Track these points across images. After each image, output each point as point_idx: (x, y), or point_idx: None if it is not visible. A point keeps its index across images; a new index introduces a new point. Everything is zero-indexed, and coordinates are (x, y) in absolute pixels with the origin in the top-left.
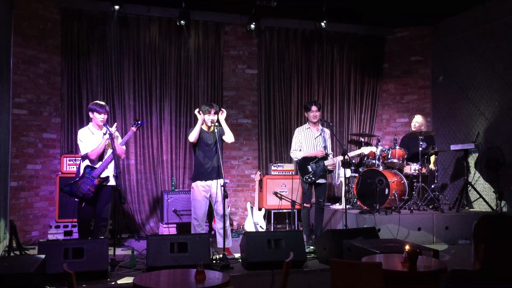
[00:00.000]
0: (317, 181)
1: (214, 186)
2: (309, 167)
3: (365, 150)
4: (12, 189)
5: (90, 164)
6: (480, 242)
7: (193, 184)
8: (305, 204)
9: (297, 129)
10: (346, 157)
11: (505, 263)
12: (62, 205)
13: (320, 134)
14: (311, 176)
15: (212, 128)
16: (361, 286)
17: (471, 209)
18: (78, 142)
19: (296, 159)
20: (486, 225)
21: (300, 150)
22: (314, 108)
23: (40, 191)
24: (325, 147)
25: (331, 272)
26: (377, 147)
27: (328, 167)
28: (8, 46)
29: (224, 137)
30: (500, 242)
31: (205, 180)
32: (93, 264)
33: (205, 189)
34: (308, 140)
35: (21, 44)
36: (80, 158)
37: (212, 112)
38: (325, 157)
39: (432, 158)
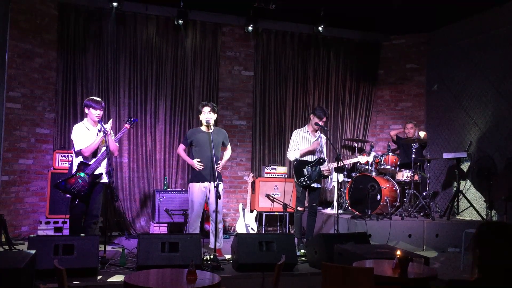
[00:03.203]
0: (311, 185)
1: (209, 187)
2: (305, 170)
3: (361, 159)
4: (3, 183)
5: (83, 161)
6: (477, 249)
7: (190, 185)
8: (298, 208)
9: (295, 130)
10: (340, 163)
11: (504, 272)
12: (53, 201)
13: (317, 139)
14: (306, 179)
15: (209, 129)
16: None
17: (461, 218)
18: (73, 137)
19: (294, 158)
20: (484, 233)
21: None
22: (325, 119)
23: (31, 186)
24: (320, 153)
25: (323, 276)
26: (370, 153)
27: (324, 172)
28: (4, 40)
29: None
30: (499, 250)
31: (202, 182)
32: (83, 261)
33: (202, 190)
34: (305, 143)
35: (17, 38)
36: (73, 154)
37: (205, 111)
38: (322, 162)
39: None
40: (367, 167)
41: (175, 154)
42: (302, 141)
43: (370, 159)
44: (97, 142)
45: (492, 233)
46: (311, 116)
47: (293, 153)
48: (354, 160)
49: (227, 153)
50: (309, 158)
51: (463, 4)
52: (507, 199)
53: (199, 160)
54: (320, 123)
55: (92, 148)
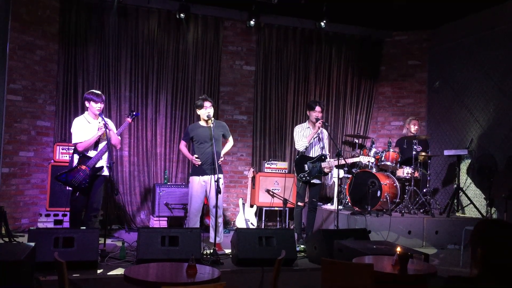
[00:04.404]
0: (311, 181)
1: (209, 182)
2: (306, 166)
3: (363, 159)
4: (4, 175)
5: (84, 153)
6: (478, 247)
7: (190, 179)
8: (299, 203)
9: (298, 125)
10: (341, 160)
11: (502, 269)
12: (53, 194)
13: (318, 135)
14: (306, 175)
15: (209, 123)
16: (352, 287)
17: (461, 215)
18: (72, 130)
19: (303, 147)
20: (485, 230)
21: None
22: (318, 108)
23: (32, 178)
24: (322, 148)
25: (323, 271)
26: (371, 150)
27: (324, 169)
28: (5, 32)
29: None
30: (498, 248)
31: (202, 175)
32: (83, 254)
33: (202, 184)
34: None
35: (19, 30)
36: (73, 147)
37: (206, 106)
38: (323, 159)
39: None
40: (367, 163)
41: (175, 148)
42: (305, 136)
43: (371, 159)
44: (92, 140)
45: (491, 231)
46: (308, 113)
47: (301, 142)
48: (355, 159)
49: (228, 145)
50: (311, 154)
51: (465, 2)
52: (508, 197)
53: (197, 156)
54: (318, 115)
55: (87, 144)
